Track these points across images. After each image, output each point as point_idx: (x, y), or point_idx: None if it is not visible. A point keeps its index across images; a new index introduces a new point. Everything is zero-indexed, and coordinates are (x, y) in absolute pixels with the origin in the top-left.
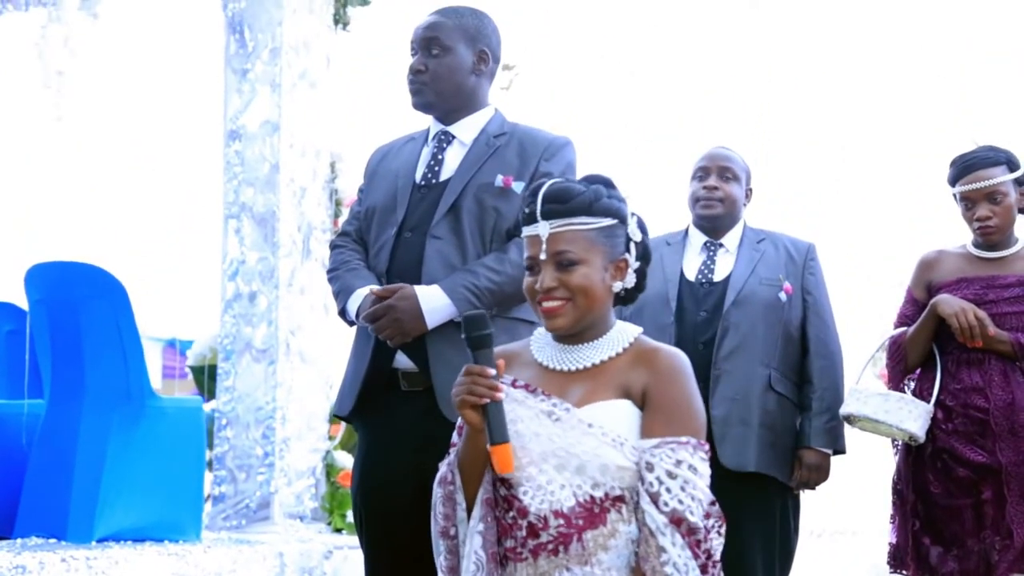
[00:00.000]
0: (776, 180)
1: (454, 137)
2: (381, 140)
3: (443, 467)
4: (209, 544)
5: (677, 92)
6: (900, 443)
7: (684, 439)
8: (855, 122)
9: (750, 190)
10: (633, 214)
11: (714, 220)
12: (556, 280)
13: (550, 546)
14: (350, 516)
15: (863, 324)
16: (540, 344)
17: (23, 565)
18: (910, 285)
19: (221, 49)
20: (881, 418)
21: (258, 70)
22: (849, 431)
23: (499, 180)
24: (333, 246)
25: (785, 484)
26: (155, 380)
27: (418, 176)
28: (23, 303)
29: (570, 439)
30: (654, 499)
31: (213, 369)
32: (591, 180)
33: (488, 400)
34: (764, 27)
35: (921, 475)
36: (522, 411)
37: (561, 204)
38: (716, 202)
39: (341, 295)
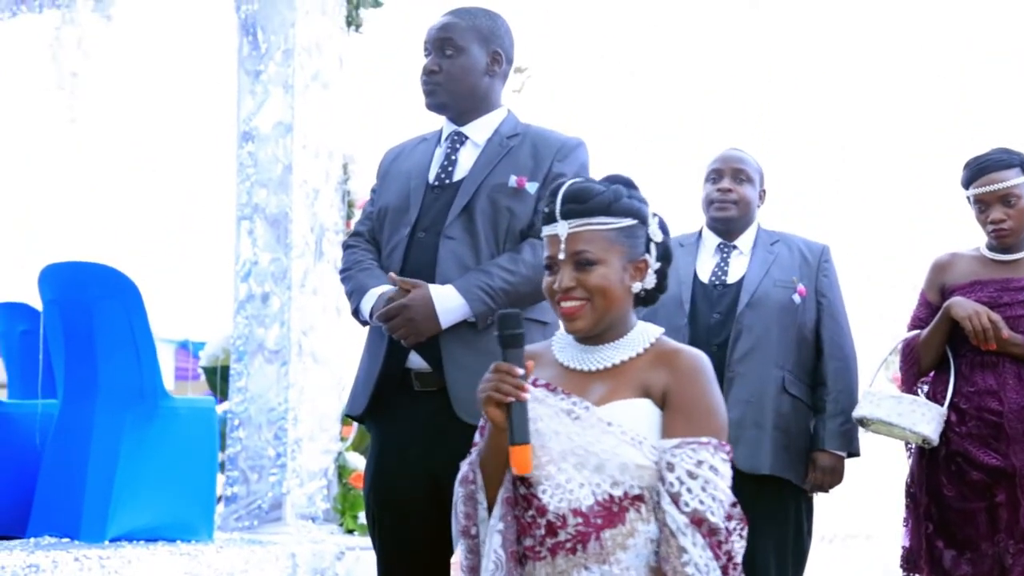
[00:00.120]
0: (776, 180)
1: (467, 138)
2: (393, 141)
3: (464, 466)
4: (221, 544)
5: (677, 92)
6: (914, 446)
7: (705, 439)
8: (855, 122)
9: (763, 191)
10: (655, 215)
11: (728, 222)
12: (574, 280)
13: (568, 545)
14: (362, 517)
15: (863, 324)
16: (562, 344)
17: (36, 564)
18: (923, 288)
19: (234, 51)
20: (894, 421)
21: (271, 71)
22: (863, 434)
23: (513, 181)
24: (346, 246)
25: (799, 487)
26: (168, 382)
27: (431, 176)
28: (37, 303)
29: (589, 437)
30: (675, 499)
31: (226, 370)
32: (612, 180)
33: (513, 399)
34: (764, 27)
35: (935, 478)
36: (542, 410)
37: (580, 204)
38: (730, 204)
39: (354, 295)
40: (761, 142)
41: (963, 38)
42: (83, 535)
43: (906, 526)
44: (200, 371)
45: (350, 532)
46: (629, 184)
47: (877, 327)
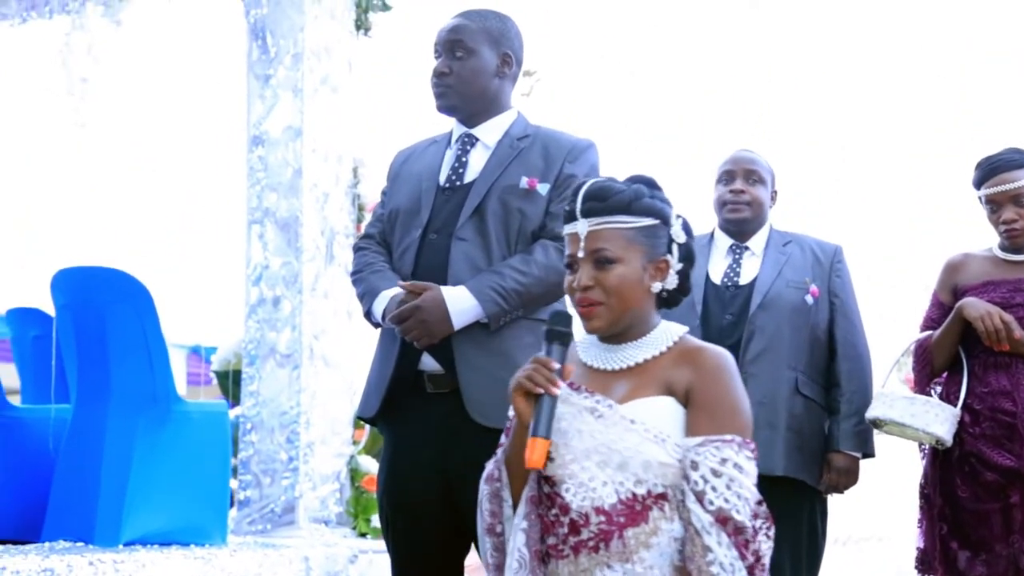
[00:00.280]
0: (776, 180)
1: (478, 140)
2: (403, 144)
3: (490, 464)
4: (235, 548)
5: (678, 92)
6: (927, 447)
7: (729, 437)
8: (855, 122)
9: (775, 192)
10: (679, 216)
11: (741, 224)
12: (592, 279)
13: (591, 543)
14: (375, 520)
15: (863, 324)
16: (586, 344)
17: (51, 568)
18: (936, 288)
19: (244, 55)
20: (908, 422)
21: (280, 76)
22: (876, 435)
23: (524, 182)
24: (357, 248)
25: (813, 488)
26: (180, 387)
27: (442, 178)
28: (49, 308)
29: (612, 435)
30: (699, 498)
31: (238, 374)
32: (634, 180)
33: (542, 391)
34: (764, 28)
35: (948, 479)
36: (565, 408)
37: (600, 202)
38: (743, 205)
39: (366, 297)
40: (761, 142)
41: (963, 38)
42: (97, 539)
43: (920, 527)
44: (212, 375)
45: (363, 535)
46: (652, 184)
47: (877, 327)
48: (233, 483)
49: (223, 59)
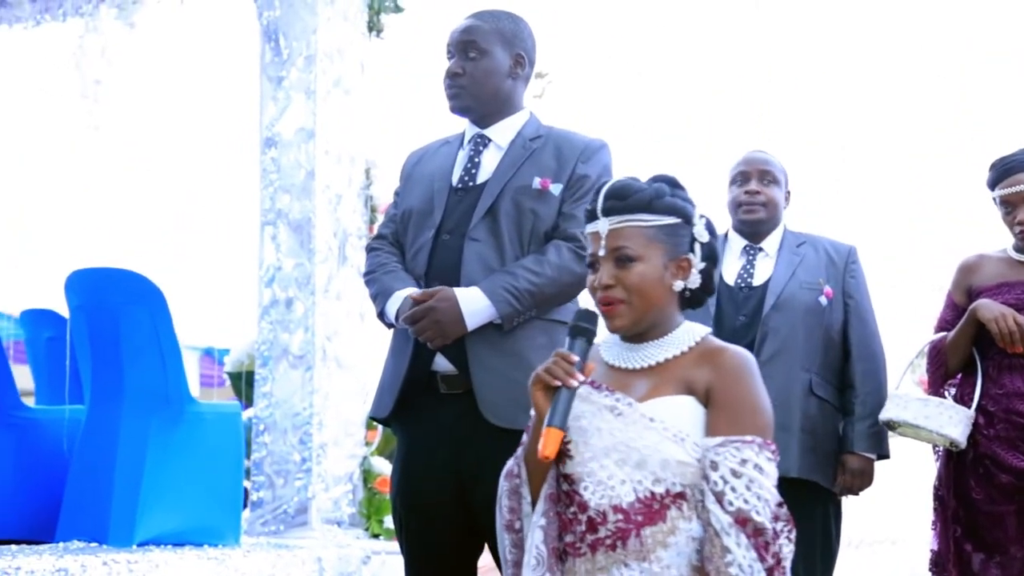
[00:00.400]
0: (789, 180)
1: (490, 140)
2: (415, 146)
3: (511, 461)
4: (248, 549)
5: (684, 92)
6: (941, 449)
7: (749, 438)
8: (855, 122)
9: (789, 192)
10: (702, 216)
11: (756, 225)
12: (613, 277)
13: (608, 541)
14: (387, 522)
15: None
16: (608, 344)
17: (65, 568)
18: (950, 289)
19: (256, 57)
20: (921, 423)
21: (293, 77)
22: (890, 437)
23: (536, 182)
24: (369, 249)
25: (827, 489)
26: (193, 388)
27: (455, 179)
28: (63, 309)
29: (631, 434)
30: (719, 498)
31: (251, 375)
32: (656, 179)
33: (560, 383)
34: (764, 28)
35: (963, 481)
36: (585, 407)
37: (620, 200)
38: (759, 206)
39: (380, 297)
40: (761, 142)
41: (963, 38)
42: (111, 539)
43: (934, 529)
44: (225, 377)
45: (375, 536)
46: (674, 183)
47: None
48: (246, 484)
49: (236, 61)
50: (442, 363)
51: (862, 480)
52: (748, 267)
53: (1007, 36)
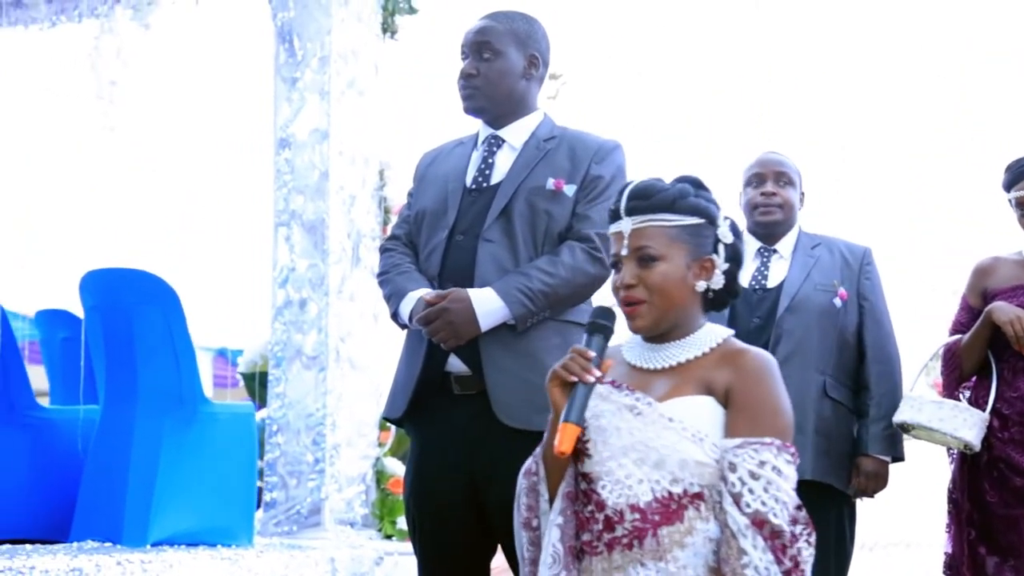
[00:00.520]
0: (803, 181)
1: (504, 141)
2: (429, 147)
3: (529, 459)
4: (261, 549)
5: (685, 93)
6: (955, 452)
7: (768, 440)
8: (855, 122)
9: (803, 194)
10: (727, 217)
11: (772, 226)
12: (636, 277)
13: (624, 540)
14: (400, 522)
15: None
16: (631, 344)
17: (80, 568)
18: (965, 292)
19: (271, 58)
20: (936, 426)
21: (307, 79)
22: (905, 439)
23: (550, 183)
24: (383, 249)
25: (842, 492)
26: (206, 389)
27: (468, 180)
28: (78, 310)
29: (650, 433)
30: (736, 500)
31: (264, 376)
32: (680, 180)
33: (576, 379)
34: (765, 28)
35: (977, 484)
36: (605, 406)
37: (643, 200)
38: (775, 208)
39: (393, 298)
40: (761, 142)
41: (963, 38)
42: (125, 539)
43: (948, 532)
44: (238, 377)
45: (388, 537)
46: (698, 184)
47: None
48: (259, 484)
49: (250, 62)
50: (456, 364)
51: (876, 482)
52: (762, 269)
53: (1007, 36)
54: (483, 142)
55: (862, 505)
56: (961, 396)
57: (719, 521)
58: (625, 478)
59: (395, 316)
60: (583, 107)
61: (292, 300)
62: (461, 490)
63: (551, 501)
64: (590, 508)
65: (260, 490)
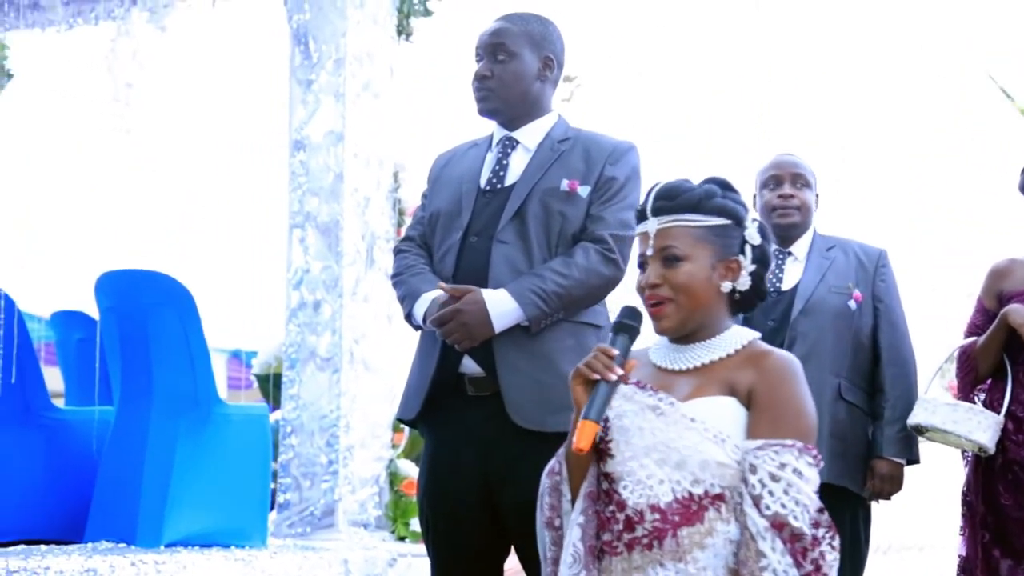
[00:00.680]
0: (818, 182)
1: (518, 142)
2: (444, 149)
3: (553, 459)
4: (275, 550)
5: (684, 93)
6: (970, 454)
7: (790, 442)
8: (855, 122)
9: (817, 195)
10: (755, 219)
11: (790, 229)
12: (660, 276)
13: (644, 540)
14: (414, 524)
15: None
16: (658, 345)
17: (94, 568)
18: (980, 294)
19: (286, 60)
20: (950, 428)
21: (322, 81)
22: (920, 442)
23: (565, 185)
24: (397, 251)
25: (856, 494)
26: (221, 391)
27: (483, 181)
28: (93, 311)
29: (672, 433)
30: (756, 502)
31: (278, 378)
32: (707, 180)
33: (598, 377)
34: (765, 28)
35: (991, 487)
36: (628, 406)
37: (669, 200)
38: (793, 210)
39: (407, 299)
40: (761, 142)
41: (963, 38)
42: (139, 540)
43: (963, 535)
44: (253, 379)
45: (402, 539)
46: (725, 185)
47: None
48: (273, 486)
49: (266, 64)
50: (470, 365)
51: (892, 485)
52: (777, 271)
53: (1007, 36)
54: (497, 143)
55: (877, 508)
56: (976, 398)
57: (739, 523)
58: (646, 478)
59: (409, 317)
60: (583, 108)
61: (306, 302)
62: (475, 491)
63: (573, 501)
64: (611, 508)
65: (274, 491)
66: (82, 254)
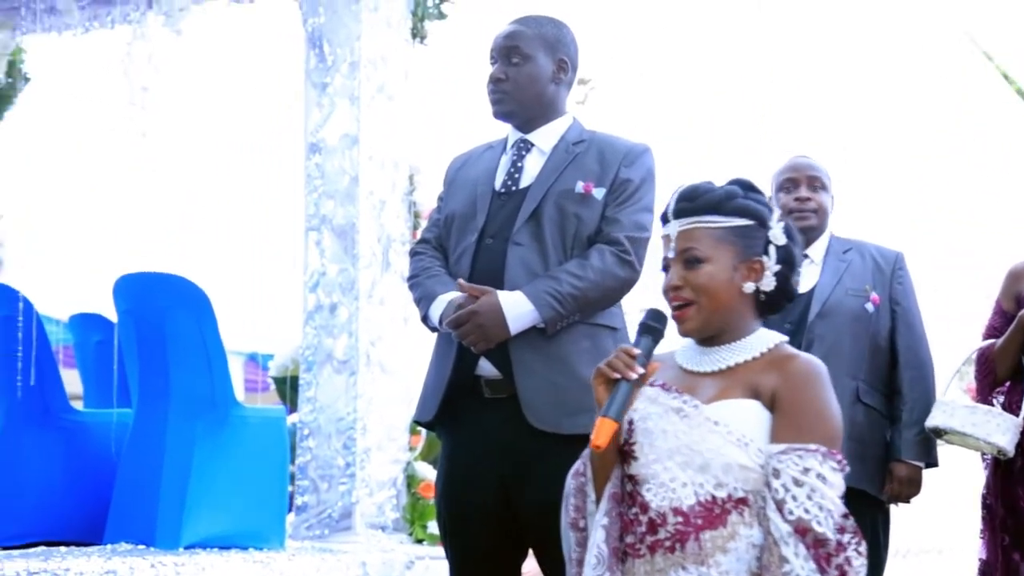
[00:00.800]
0: (832, 184)
1: (533, 145)
2: (459, 152)
3: (578, 460)
4: (293, 552)
5: (686, 93)
6: (989, 457)
7: (813, 447)
8: (857, 123)
9: (833, 197)
10: (780, 220)
11: (806, 232)
12: (682, 278)
13: (667, 543)
14: (431, 527)
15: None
16: (684, 348)
17: (114, 570)
18: (999, 296)
19: (301, 63)
20: (969, 431)
21: (337, 84)
22: (939, 445)
23: (579, 187)
24: (413, 253)
25: (875, 498)
26: (238, 393)
27: (498, 183)
28: (112, 314)
29: (695, 436)
30: (779, 507)
31: (295, 380)
32: (731, 181)
33: (619, 376)
34: (767, 29)
35: (1011, 490)
36: (653, 409)
37: (690, 202)
38: (810, 213)
39: (423, 301)
40: (762, 142)
41: (965, 39)
42: (158, 542)
43: (983, 538)
44: (270, 381)
45: (419, 541)
46: (748, 186)
47: None
48: (290, 488)
49: (281, 68)
50: (486, 367)
51: (910, 488)
52: None
53: (1007, 36)
54: (512, 146)
55: (896, 511)
56: (995, 401)
57: (763, 528)
58: (670, 481)
59: (425, 319)
60: (584, 108)
61: (323, 304)
62: (492, 493)
63: (597, 501)
64: (634, 510)
65: (291, 494)
66: (100, 257)
